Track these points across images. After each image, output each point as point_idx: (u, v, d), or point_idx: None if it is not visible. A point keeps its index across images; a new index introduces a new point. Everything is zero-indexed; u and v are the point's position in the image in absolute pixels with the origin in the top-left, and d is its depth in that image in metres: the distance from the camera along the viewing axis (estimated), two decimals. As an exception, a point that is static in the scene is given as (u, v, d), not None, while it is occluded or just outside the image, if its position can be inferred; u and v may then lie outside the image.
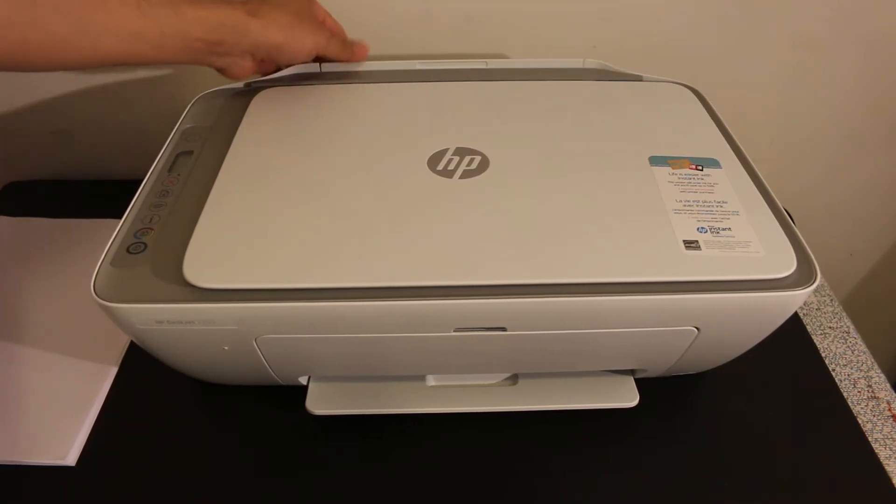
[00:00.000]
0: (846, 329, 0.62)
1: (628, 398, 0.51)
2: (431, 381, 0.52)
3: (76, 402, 0.53)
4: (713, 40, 0.74)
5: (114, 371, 0.55)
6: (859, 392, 0.56)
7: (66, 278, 0.63)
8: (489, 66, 0.62)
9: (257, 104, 0.57)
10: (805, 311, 0.64)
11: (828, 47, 0.74)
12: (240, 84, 0.61)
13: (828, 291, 0.67)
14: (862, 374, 0.58)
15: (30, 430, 0.51)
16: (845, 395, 0.55)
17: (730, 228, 0.45)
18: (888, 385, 0.57)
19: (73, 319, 0.59)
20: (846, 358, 0.60)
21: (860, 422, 0.53)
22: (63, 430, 0.51)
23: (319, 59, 0.60)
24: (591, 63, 0.62)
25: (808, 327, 0.62)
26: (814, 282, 0.42)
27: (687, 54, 0.74)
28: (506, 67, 0.62)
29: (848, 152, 0.84)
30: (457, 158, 0.50)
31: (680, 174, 0.49)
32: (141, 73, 0.74)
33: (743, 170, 0.50)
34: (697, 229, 0.44)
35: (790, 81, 0.77)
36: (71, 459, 0.49)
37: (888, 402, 0.55)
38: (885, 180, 0.86)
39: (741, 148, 0.53)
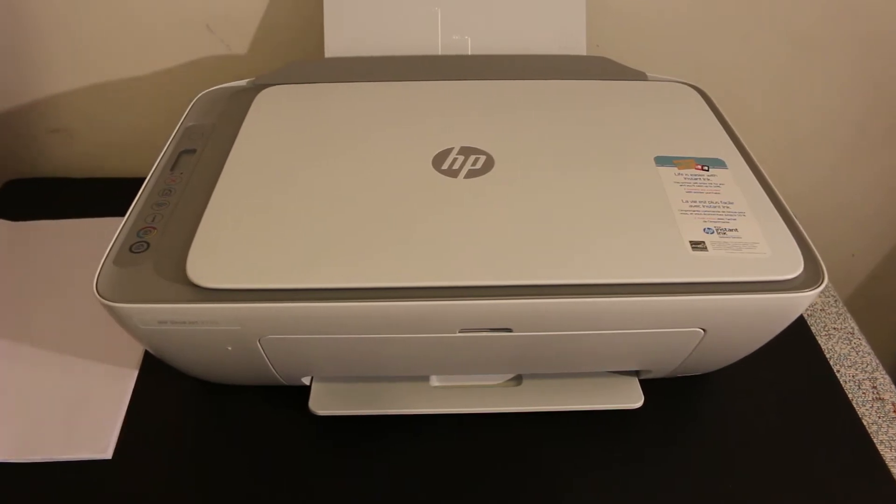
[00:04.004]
0: (850, 330, 0.62)
1: (633, 399, 0.51)
2: (435, 381, 0.52)
3: (106, 402, 0.53)
4: (717, 40, 0.73)
5: (135, 373, 0.55)
6: (864, 393, 0.56)
7: (76, 279, 0.63)
8: (491, 53, 0.62)
9: (260, 102, 0.56)
10: (809, 312, 0.64)
11: (831, 47, 0.74)
12: (242, 82, 0.61)
13: (832, 292, 0.66)
14: (867, 375, 0.58)
15: (64, 429, 0.51)
16: (850, 396, 0.55)
17: (736, 229, 0.44)
18: (893, 386, 0.57)
19: (94, 321, 0.58)
20: (851, 359, 0.59)
21: (865, 423, 0.53)
22: (99, 427, 0.51)
23: None
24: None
25: (812, 328, 0.61)
26: (821, 283, 0.42)
27: (691, 54, 0.74)
28: (506, 53, 0.62)
29: (851, 152, 0.84)
30: (462, 158, 0.49)
31: (686, 174, 0.49)
32: (142, 71, 0.74)
33: (749, 170, 0.50)
34: (704, 230, 0.44)
35: (794, 81, 0.77)
36: (109, 453, 0.50)
37: (893, 404, 0.55)
38: (887, 180, 0.86)
39: (747, 148, 0.52)
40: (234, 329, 0.42)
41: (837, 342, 0.61)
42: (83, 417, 0.52)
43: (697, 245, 0.43)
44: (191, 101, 0.59)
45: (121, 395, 0.53)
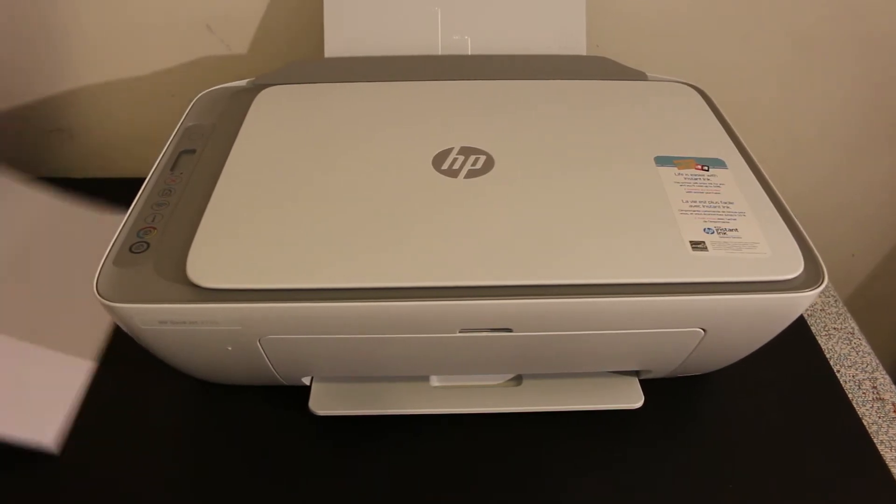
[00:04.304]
0: (850, 330, 0.62)
1: (633, 399, 0.51)
2: (435, 381, 0.52)
3: (57, 392, 0.53)
4: (717, 40, 0.73)
5: (89, 364, 0.55)
6: (864, 393, 0.56)
7: (75, 278, 0.62)
8: (491, 53, 0.63)
9: (260, 102, 0.56)
10: (809, 312, 0.64)
11: (831, 47, 0.74)
12: (242, 82, 0.61)
13: (832, 292, 0.66)
14: (867, 375, 0.58)
15: (13, 413, 0.50)
16: (850, 396, 0.55)
17: (736, 229, 0.44)
18: (893, 386, 0.57)
19: (61, 309, 0.58)
20: (851, 359, 0.59)
21: (865, 423, 0.53)
22: (45, 414, 0.51)
23: None
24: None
25: (812, 328, 0.61)
26: (821, 283, 0.42)
27: (691, 54, 0.74)
28: (506, 53, 0.63)
29: (851, 153, 0.84)
30: (462, 158, 0.49)
31: (686, 174, 0.49)
32: (142, 71, 0.74)
33: (749, 170, 0.50)
34: (704, 230, 0.44)
35: (794, 82, 0.77)
36: (51, 442, 0.49)
37: (893, 404, 0.55)
38: (888, 180, 0.86)
39: (747, 148, 0.52)
40: (234, 329, 0.42)
41: (837, 342, 0.61)
42: (31, 402, 0.51)
43: (697, 245, 0.43)
44: (191, 101, 0.59)
45: (72, 385, 0.53)
